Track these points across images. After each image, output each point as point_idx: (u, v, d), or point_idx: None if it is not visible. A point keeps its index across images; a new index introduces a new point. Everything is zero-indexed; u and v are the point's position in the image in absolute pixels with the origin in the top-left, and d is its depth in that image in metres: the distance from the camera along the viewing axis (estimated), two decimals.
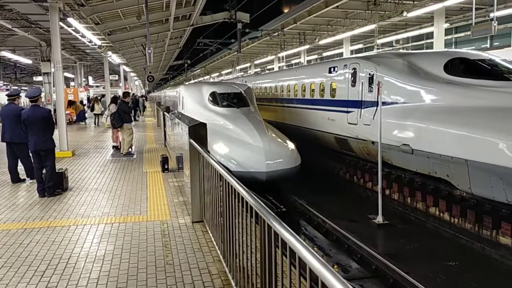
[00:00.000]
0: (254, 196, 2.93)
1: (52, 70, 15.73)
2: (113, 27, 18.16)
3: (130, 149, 12.23)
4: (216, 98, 12.69)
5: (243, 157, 9.85)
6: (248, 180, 8.42)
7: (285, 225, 2.30)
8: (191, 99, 13.38)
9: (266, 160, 9.75)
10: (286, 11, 24.50)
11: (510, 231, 7.50)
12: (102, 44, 20.81)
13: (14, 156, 8.44)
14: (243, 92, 13.26)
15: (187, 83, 44.41)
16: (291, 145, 10.89)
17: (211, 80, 55.56)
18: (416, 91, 9.49)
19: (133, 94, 33.43)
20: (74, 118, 23.75)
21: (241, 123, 11.20)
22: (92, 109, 23.49)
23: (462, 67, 9.50)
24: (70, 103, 23.28)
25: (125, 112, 12.06)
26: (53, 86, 16.96)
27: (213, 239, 4.88)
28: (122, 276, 4.09)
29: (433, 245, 8.00)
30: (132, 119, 13.54)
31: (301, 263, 1.99)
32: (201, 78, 59.17)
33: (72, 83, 34.76)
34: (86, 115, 25.58)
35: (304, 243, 2.02)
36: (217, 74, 55.12)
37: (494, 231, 7.79)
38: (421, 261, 7.30)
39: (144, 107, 34.06)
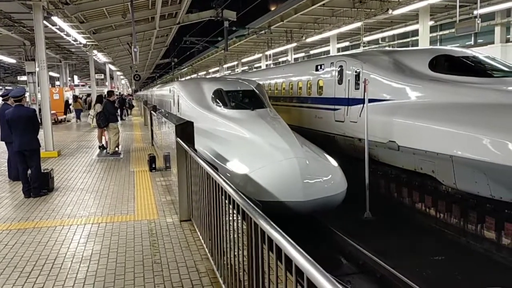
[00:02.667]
0: (241, 194, 2.94)
1: (37, 69, 15.52)
2: (98, 25, 18.00)
3: (117, 149, 12.15)
4: (222, 98, 10.28)
5: (270, 180, 7.13)
6: (277, 212, 6.13)
7: (271, 222, 2.31)
8: (190, 99, 11.05)
9: (303, 184, 7.07)
10: (273, 9, 24.58)
11: (494, 226, 7.63)
12: (87, 43, 20.62)
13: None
14: (255, 90, 10.77)
15: (182, 79, 43.52)
16: (333, 162, 8.21)
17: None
18: (402, 88, 9.59)
19: (119, 93, 33.19)
20: (60, 117, 23.70)
21: (262, 130, 8.62)
22: (89, 107, 23.66)
23: (446, 64, 9.62)
24: (75, 99, 26.61)
25: (110, 112, 11.97)
26: (38, 85, 16.74)
27: (201, 237, 4.88)
28: (109, 276, 4.07)
29: (418, 239, 8.11)
30: (119, 118, 13.37)
31: (287, 259, 2.01)
32: (189, 77, 58.86)
33: (57, 83, 34.31)
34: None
35: (290, 240, 2.03)
36: (205, 72, 54.96)
37: (479, 225, 7.92)
38: (405, 254, 7.41)
39: (132, 106, 33.80)
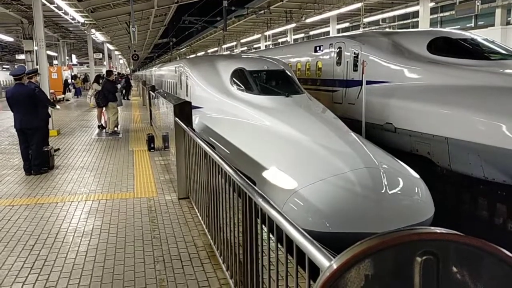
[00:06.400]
0: (238, 172, 3.05)
1: (35, 48, 15.49)
2: (96, 4, 17.85)
3: (116, 128, 12.23)
4: (245, 80, 8.24)
5: (330, 201, 4.80)
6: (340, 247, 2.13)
7: (265, 196, 2.43)
8: (202, 81, 8.97)
9: (380, 207, 4.81)
10: None
11: (486, 206, 7.79)
12: (85, 22, 20.47)
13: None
14: (286, 71, 8.89)
15: (190, 56, 42.13)
16: (413, 173, 5.85)
17: None
18: (400, 70, 9.63)
19: (119, 73, 33.07)
20: (59, 97, 23.76)
21: (308, 125, 6.47)
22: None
23: (444, 47, 9.65)
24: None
25: (109, 91, 12.01)
26: (37, 64, 16.72)
27: (198, 214, 5.03)
28: (110, 249, 4.22)
29: None
30: (120, 98, 13.36)
31: (278, 230, 2.14)
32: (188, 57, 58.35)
33: (55, 62, 34.15)
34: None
35: (282, 212, 2.15)
36: (203, 52, 54.61)
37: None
38: None
39: (131, 86, 33.76)
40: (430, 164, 8.85)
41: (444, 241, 0.88)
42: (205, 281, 3.58)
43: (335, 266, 0.90)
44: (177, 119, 5.74)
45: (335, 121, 6.97)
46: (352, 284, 0.89)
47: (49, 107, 8.44)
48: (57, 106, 9.97)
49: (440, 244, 0.87)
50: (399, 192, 5.17)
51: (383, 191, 4.94)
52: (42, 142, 7.72)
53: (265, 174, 5.49)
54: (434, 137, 8.18)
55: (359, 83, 10.23)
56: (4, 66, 53.40)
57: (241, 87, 8.17)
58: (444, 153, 8.05)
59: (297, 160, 5.65)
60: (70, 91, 27.05)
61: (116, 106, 12.17)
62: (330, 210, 4.73)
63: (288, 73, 8.79)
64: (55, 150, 8.58)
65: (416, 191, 5.42)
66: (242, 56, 11.74)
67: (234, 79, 8.37)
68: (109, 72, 13.12)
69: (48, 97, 9.37)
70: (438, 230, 0.90)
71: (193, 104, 7.27)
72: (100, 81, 13.62)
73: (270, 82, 8.44)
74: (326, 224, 4.63)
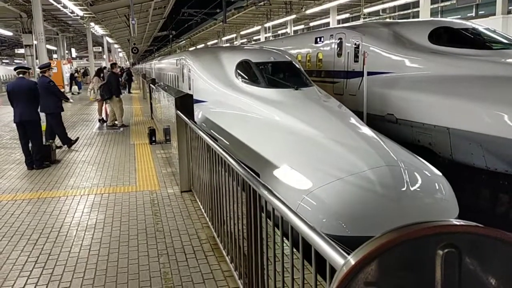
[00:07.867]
0: (241, 163, 3.04)
1: (35, 42, 15.42)
2: None
3: (116, 122, 12.20)
4: (251, 72, 7.85)
5: (348, 203, 4.42)
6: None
7: (270, 188, 2.42)
8: (205, 74, 8.57)
9: (402, 209, 4.44)
10: None
11: (488, 197, 7.79)
12: (84, 15, 20.38)
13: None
14: (294, 62, 8.59)
15: (192, 48, 41.56)
16: (435, 170, 5.50)
17: None
18: (401, 61, 9.58)
19: (120, 67, 32.97)
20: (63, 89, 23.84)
21: (321, 120, 6.08)
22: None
23: (446, 36, 9.59)
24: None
25: (113, 84, 11.96)
26: (36, 58, 16.67)
27: (201, 207, 5.03)
28: (114, 243, 4.23)
29: None
30: (125, 91, 13.37)
31: (284, 222, 2.13)
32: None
33: (54, 55, 34.05)
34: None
35: (288, 205, 2.13)
36: (203, 45, 54.43)
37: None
38: None
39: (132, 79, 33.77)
40: (432, 154, 8.85)
41: (465, 233, 0.86)
42: (209, 274, 3.59)
43: (352, 262, 0.89)
44: (178, 112, 5.72)
45: (349, 115, 6.55)
46: (372, 277, 0.88)
47: (63, 101, 9.18)
48: (70, 100, 10.17)
49: (461, 237, 0.86)
50: (422, 192, 4.85)
51: (405, 191, 4.57)
52: (50, 135, 7.88)
53: (276, 173, 5.07)
54: (435, 128, 8.16)
55: (360, 74, 10.19)
56: (3, 60, 53.28)
57: (247, 79, 7.80)
58: (446, 144, 8.04)
59: (311, 158, 5.22)
60: (76, 84, 27.03)
61: (120, 99, 12.17)
62: (348, 212, 4.36)
63: (296, 65, 8.45)
64: (57, 147, 8.62)
65: (440, 190, 5.08)
66: (247, 47, 11.17)
67: (239, 71, 8.01)
68: (114, 65, 13.08)
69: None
70: (458, 222, 0.89)
71: (196, 97, 7.19)
72: (102, 74, 13.56)
73: (277, 74, 8.08)
74: (344, 227, 4.28)
